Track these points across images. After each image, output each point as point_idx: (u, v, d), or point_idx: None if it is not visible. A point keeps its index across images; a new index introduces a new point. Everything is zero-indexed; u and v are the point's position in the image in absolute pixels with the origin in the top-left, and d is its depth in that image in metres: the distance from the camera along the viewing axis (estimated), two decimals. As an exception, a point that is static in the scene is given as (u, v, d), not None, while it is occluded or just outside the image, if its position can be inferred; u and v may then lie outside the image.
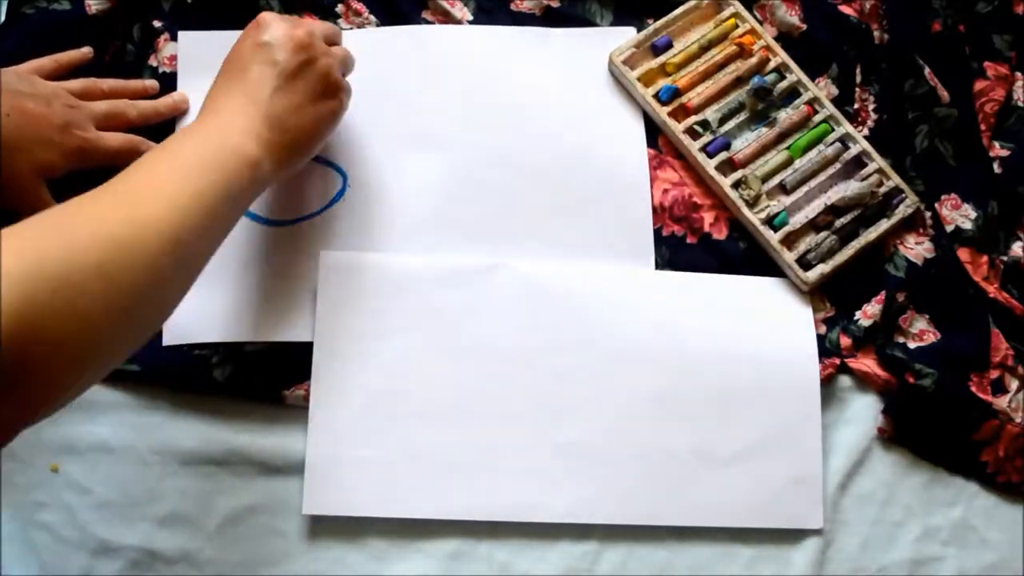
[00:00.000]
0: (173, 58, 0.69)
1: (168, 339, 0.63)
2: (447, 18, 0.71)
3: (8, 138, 0.58)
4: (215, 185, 0.51)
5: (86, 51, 0.67)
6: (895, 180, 0.69)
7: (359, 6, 0.71)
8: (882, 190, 0.68)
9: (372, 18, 0.71)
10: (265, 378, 0.63)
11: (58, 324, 0.42)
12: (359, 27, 0.71)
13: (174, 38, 0.69)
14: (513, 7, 0.72)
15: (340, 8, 0.71)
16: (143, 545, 0.60)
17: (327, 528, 0.61)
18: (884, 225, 0.67)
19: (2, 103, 0.58)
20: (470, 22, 0.71)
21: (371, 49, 0.69)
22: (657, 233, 0.67)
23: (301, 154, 0.59)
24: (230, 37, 0.68)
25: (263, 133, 0.55)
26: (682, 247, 0.67)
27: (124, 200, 0.49)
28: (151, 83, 0.68)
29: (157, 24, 0.69)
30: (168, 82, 0.68)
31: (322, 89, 0.58)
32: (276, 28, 0.58)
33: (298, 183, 0.66)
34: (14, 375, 0.41)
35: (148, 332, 0.50)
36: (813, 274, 0.66)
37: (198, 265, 0.52)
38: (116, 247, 0.46)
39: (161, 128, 0.66)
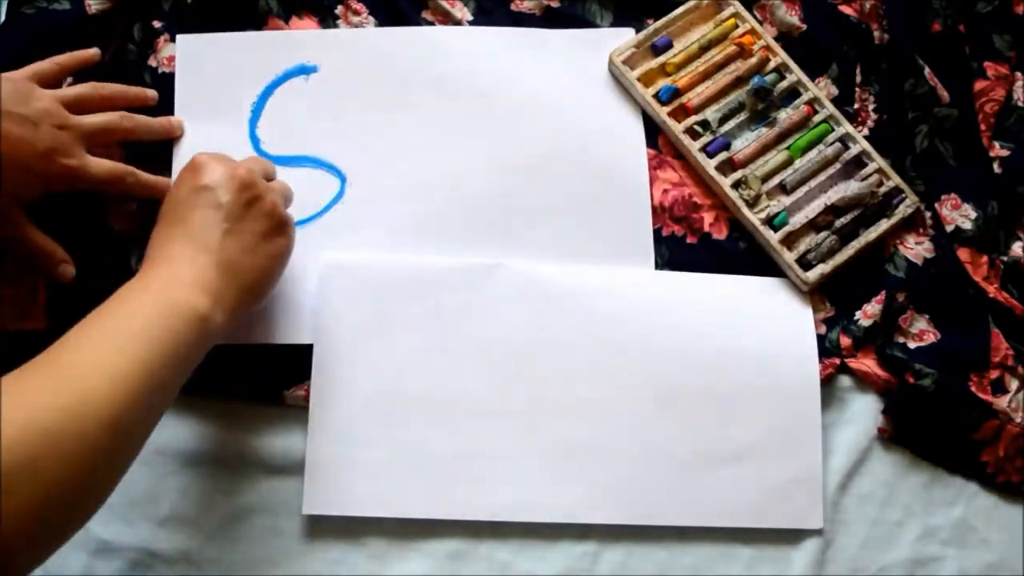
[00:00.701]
0: (172, 59, 0.68)
1: None
2: (447, 18, 0.71)
3: None
4: (163, 350, 0.48)
5: (93, 52, 0.65)
6: (895, 180, 0.69)
7: (359, 6, 0.71)
8: (882, 190, 0.68)
9: (371, 18, 0.71)
10: (265, 379, 0.63)
11: None
12: (358, 27, 0.70)
13: (174, 39, 0.69)
14: (513, 7, 0.72)
15: (340, 9, 0.71)
16: (143, 545, 0.60)
17: (327, 528, 0.61)
18: (884, 225, 0.67)
19: None
20: (470, 22, 0.71)
21: (370, 49, 0.69)
22: (657, 233, 0.67)
23: (255, 298, 0.56)
24: (228, 39, 0.69)
25: (215, 282, 0.52)
26: (682, 247, 0.67)
27: (61, 381, 0.45)
28: (151, 93, 0.66)
29: (157, 24, 0.69)
30: (167, 83, 0.68)
31: (271, 227, 0.56)
32: (214, 169, 0.55)
33: (296, 186, 0.66)
34: None
35: (83, 520, 0.46)
36: (813, 274, 0.66)
37: (140, 442, 0.48)
38: (50, 441, 0.42)
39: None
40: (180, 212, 0.54)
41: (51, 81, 0.62)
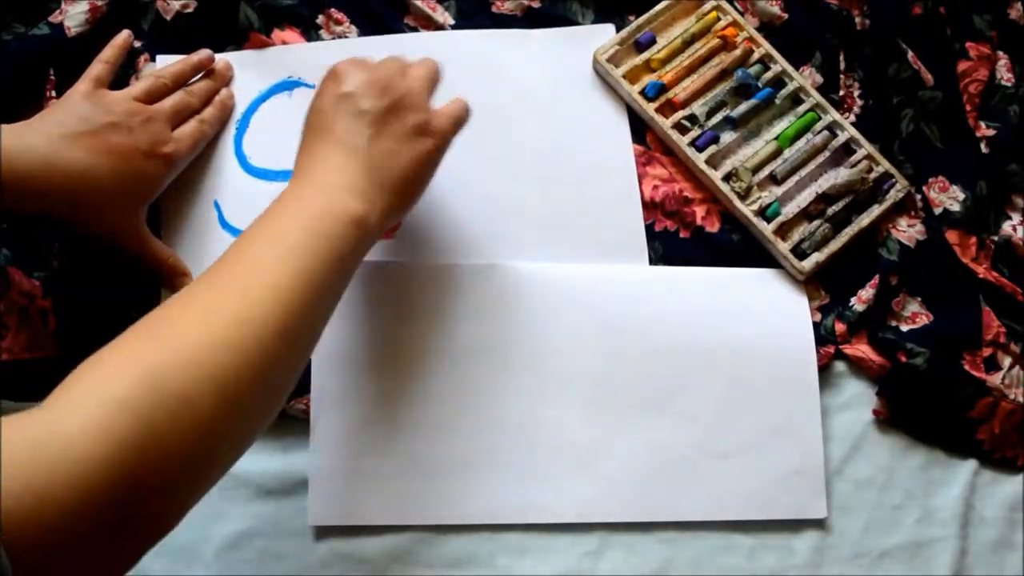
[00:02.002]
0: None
1: None
2: (428, 22, 0.71)
3: (110, 188, 0.58)
4: (322, 256, 0.49)
5: (126, 33, 0.66)
6: (884, 165, 0.69)
7: (340, 15, 0.70)
8: (872, 176, 0.68)
9: (353, 27, 0.70)
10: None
11: (178, 446, 0.41)
12: (340, 37, 0.70)
13: (154, 59, 0.69)
14: (494, 9, 0.72)
15: (321, 19, 0.70)
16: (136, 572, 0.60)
17: (329, 545, 0.61)
18: (876, 211, 0.68)
19: (89, 149, 0.57)
20: (452, 26, 0.71)
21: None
22: (650, 229, 0.67)
23: (406, 200, 0.56)
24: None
25: (365, 186, 0.53)
26: (676, 242, 0.67)
27: (230, 296, 0.46)
28: (206, 52, 0.67)
29: (137, 44, 0.68)
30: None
31: (415, 128, 0.56)
32: (354, 75, 0.56)
33: None
34: (134, 507, 0.39)
35: (264, 424, 0.48)
36: (808, 263, 0.66)
37: (310, 345, 0.50)
38: (230, 351, 0.44)
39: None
40: (324, 121, 0.55)
41: (110, 80, 0.63)
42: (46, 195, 0.57)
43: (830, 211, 0.67)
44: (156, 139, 0.60)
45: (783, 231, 0.67)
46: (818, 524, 0.63)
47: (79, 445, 0.38)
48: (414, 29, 0.71)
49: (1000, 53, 0.73)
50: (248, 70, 0.69)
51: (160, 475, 0.40)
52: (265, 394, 0.46)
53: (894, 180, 0.69)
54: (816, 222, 0.67)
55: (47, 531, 0.36)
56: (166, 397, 0.41)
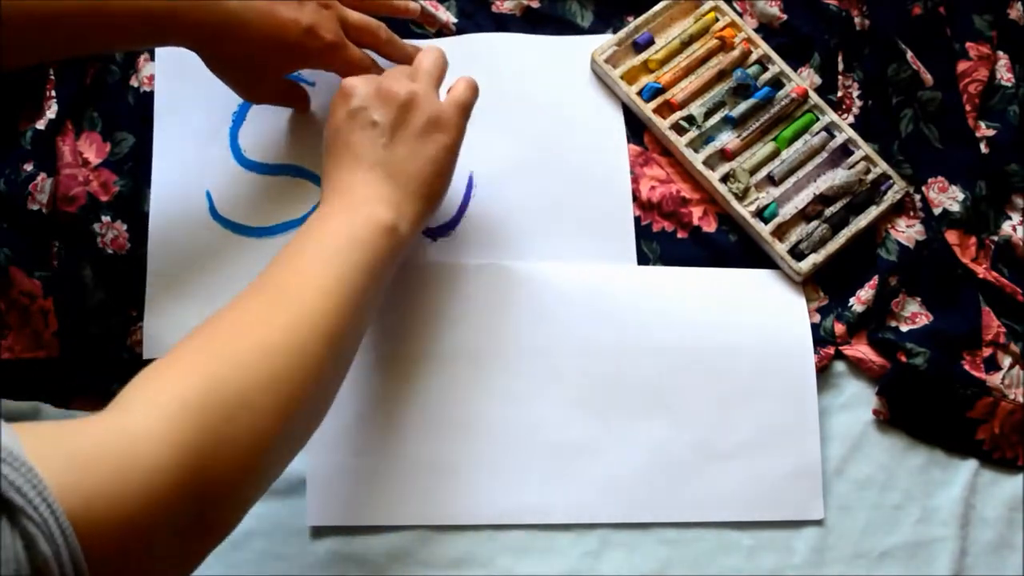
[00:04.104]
0: (152, 78, 0.68)
1: (148, 352, 0.63)
2: (431, 20, 0.71)
3: (258, 53, 0.59)
4: (360, 265, 0.51)
5: None
6: (882, 167, 0.69)
7: (340, 16, 0.71)
8: (870, 177, 0.68)
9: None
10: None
11: (238, 447, 0.43)
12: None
13: (153, 58, 0.69)
14: (494, 8, 0.72)
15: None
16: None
17: (328, 546, 0.61)
18: (874, 212, 0.68)
19: (247, 7, 0.57)
20: (454, 24, 0.71)
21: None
22: (647, 229, 0.68)
23: (431, 199, 0.57)
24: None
25: (389, 193, 0.55)
26: (673, 242, 0.68)
27: (279, 303, 0.49)
28: (414, 5, 0.68)
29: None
30: (149, 102, 0.68)
31: (426, 126, 0.57)
32: (361, 89, 0.57)
33: (277, 194, 0.66)
34: (198, 508, 0.41)
35: (315, 426, 0.51)
36: (806, 264, 0.66)
37: (353, 349, 0.53)
38: (282, 356, 0.46)
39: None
40: (341, 138, 0.57)
41: None
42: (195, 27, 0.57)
43: (828, 212, 0.67)
44: (322, 22, 0.60)
45: (780, 232, 0.67)
46: (818, 524, 0.63)
47: (145, 448, 0.40)
48: (418, 26, 0.71)
49: (1000, 53, 0.73)
50: None
51: (222, 476, 0.42)
52: (316, 397, 0.49)
53: (892, 181, 0.69)
54: (814, 223, 0.67)
55: (117, 531, 0.37)
56: (225, 400, 0.43)
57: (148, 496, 0.39)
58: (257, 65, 0.61)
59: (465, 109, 0.59)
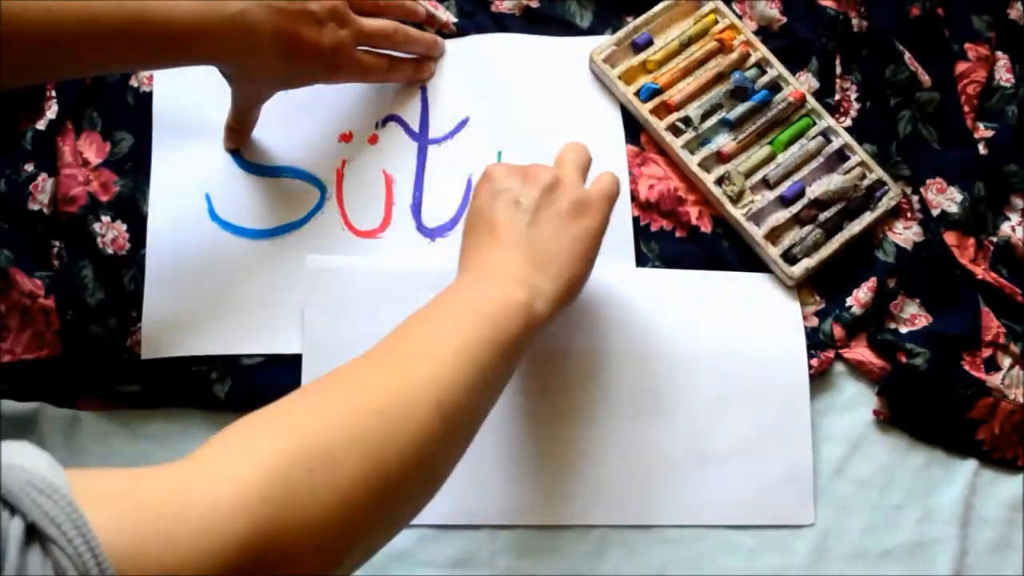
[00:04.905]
0: (152, 78, 0.69)
1: (146, 353, 0.63)
2: (432, 20, 0.71)
3: (274, 74, 0.60)
4: (484, 338, 0.49)
5: None
6: (878, 172, 0.69)
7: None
8: (865, 183, 0.68)
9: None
10: (265, 392, 0.63)
11: (314, 505, 0.40)
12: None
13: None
14: (493, 8, 0.72)
15: (322, 20, 0.71)
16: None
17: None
18: (868, 218, 0.68)
19: (274, 29, 0.57)
20: (454, 24, 0.72)
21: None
22: (646, 228, 0.68)
23: (572, 282, 0.55)
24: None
25: (527, 273, 0.53)
26: (671, 241, 0.68)
27: (387, 368, 0.47)
28: (420, 9, 0.69)
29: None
30: (149, 103, 0.68)
31: (572, 209, 0.56)
32: (508, 172, 0.57)
33: (276, 196, 0.66)
34: (265, 568, 0.38)
35: (416, 507, 0.48)
36: (798, 269, 0.66)
37: (470, 427, 0.50)
38: (377, 417, 0.44)
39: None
40: (484, 217, 0.56)
41: None
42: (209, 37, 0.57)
43: (822, 217, 0.67)
44: (341, 46, 0.61)
45: (774, 236, 0.67)
46: (818, 524, 0.63)
47: (213, 500, 0.38)
48: (418, 26, 0.71)
49: (999, 53, 0.73)
50: None
51: (293, 535, 0.39)
52: (414, 468, 0.45)
53: (887, 188, 0.69)
54: (808, 228, 0.67)
55: None
56: (305, 457, 0.41)
57: (201, 545, 0.36)
58: (276, 83, 0.62)
59: (611, 200, 0.58)
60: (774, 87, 0.70)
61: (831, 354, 0.66)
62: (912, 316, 0.67)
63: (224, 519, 0.37)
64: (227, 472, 0.39)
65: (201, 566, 0.36)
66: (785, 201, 0.68)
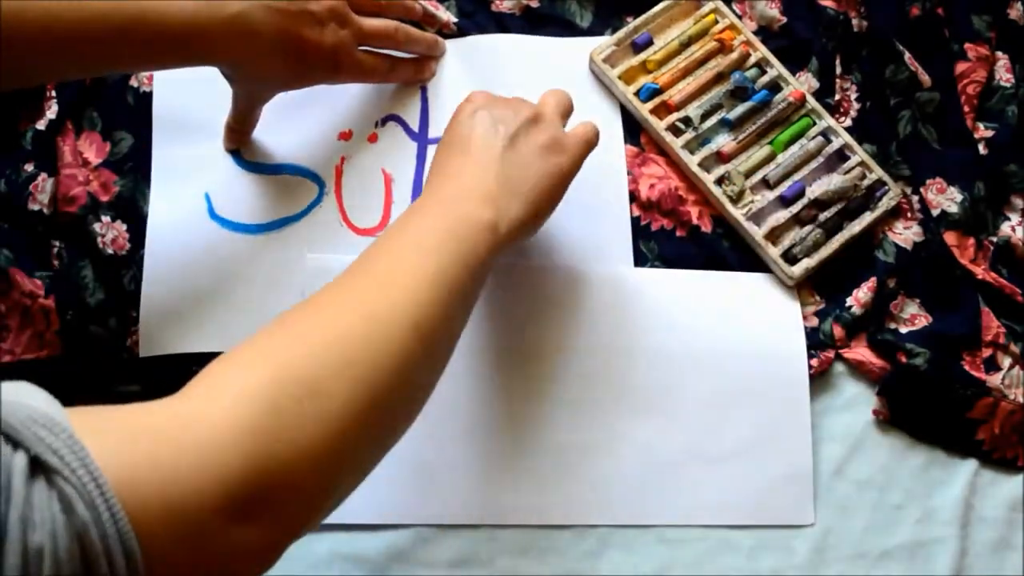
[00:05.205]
0: (152, 78, 0.69)
1: (144, 352, 0.63)
2: (432, 20, 0.71)
3: (275, 74, 0.60)
4: (457, 259, 0.50)
5: None
6: (878, 172, 0.69)
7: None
8: (865, 183, 0.68)
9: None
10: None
11: (306, 436, 0.41)
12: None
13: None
14: (494, 8, 0.73)
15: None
16: None
17: (328, 537, 0.61)
18: (868, 218, 0.68)
19: (275, 30, 0.57)
20: (455, 23, 0.72)
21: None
22: (646, 228, 0.68)
23: (536, 212, 0.56)
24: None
25: (496, 194, 0.54)
26: (672, 241, 0.68)
27: (363, 293, 0.48)
28: (417, 7, 0.69)
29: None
30: (146, 101, 0.68)
31: (548, 143, 0.57)
32: (491, 99, 0.58)
33: (275, 192, 0.66)
34: (261, 496, 0.39)
35: (402, 427, 0.49)
36: (798, 269, 0.66)
37: (447, 347, 0.51)
38: (358, 344, 0.45)
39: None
40: (460, 133, 0.57)
41: None
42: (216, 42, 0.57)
43: (822, 217, 0.67)
44: (342, 46, 0.61)
45: (774, 236, 0.67)
46: (818, 524, 0.63)
47: (201, 428, 0.39)
48: (418, 27, 0.71)
49: (999, 53, 0.73)
50: None
51: (288, 464, 0.40)
52: (399, 392, 0.47)
53: (887, 188, 0.69)
54: (808, 228, 0.67)
55: (167, 509, 0.36)
56: (293, 388, 0.42)
57: (201, 475, 0.37)
58: (277, 84, 0.62)
59: (588, 146, 0.59)
60: (774, 87, 0.70)
61: (831, 354, 0.66)
62: (912, 316, 0.67)
63: (218, 451, 0.38)
64: (222, 409, 0.40)
65: (199, 494, 0.37)
66: (785, 201, 0.68)
